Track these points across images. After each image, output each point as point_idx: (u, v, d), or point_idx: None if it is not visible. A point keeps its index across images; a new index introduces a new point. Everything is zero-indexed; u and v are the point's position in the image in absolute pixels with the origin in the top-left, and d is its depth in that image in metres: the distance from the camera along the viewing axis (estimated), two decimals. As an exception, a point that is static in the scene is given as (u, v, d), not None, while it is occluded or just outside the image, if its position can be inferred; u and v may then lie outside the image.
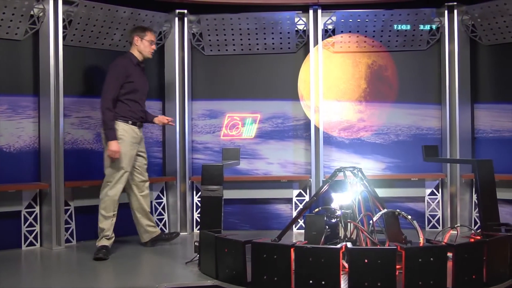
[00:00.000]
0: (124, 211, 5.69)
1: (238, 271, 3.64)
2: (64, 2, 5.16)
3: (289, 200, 6.00)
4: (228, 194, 5.98)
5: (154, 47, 5.04)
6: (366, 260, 3.32)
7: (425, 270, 3.36)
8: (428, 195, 5.93)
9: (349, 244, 3.45)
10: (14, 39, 5.11)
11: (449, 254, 3.47)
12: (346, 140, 6.02)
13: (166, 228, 5.92)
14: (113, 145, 4.69)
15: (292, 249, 3.43)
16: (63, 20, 5.22)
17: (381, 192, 5.81)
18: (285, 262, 3.44)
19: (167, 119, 5.25)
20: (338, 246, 3.39)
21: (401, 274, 3.37)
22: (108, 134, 4.71)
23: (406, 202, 5.99)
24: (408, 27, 5.72)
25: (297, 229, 5.76)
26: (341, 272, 3.35)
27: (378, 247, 3.70)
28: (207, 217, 4.20)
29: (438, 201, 5.91)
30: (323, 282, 3.35)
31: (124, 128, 4.82)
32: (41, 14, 5.13)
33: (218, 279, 3.80)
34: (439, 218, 5.90)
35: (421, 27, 5.71)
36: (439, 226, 5.86)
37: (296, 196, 5.97)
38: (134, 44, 4.98)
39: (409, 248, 3.38)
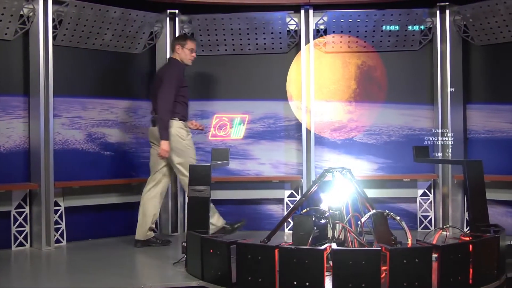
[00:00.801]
0: (115, 212, 5.73)
1: (223, 272, 3.62)
2: (54, 2, 5.15)
3: (280, 201, 5.99)
4: (220, 194, 5.99)
5: (194, 55, 5.22)
6: (350, 262, 3.30)
7: (410, 271, 3.33)
8: (420, 195, 5.92)
9: (333, 245, 3.44)
10: (4, 39, 5.10)
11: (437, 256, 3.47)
12: (338, 141, 6.00)
13: (157, 228, 5.90)
14: (165, 145, 4.94)
15: (276, 250, 3.41)
16: (53, 20, 5.21)
17: (373, 193, 5.86)
18: (269, 263, 3.42)
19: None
20: (322, 247, 3.37)
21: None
22: (164, 134, 4.96)
23: (398, 202, 5.98)
24: (397, 27, 5.70)
25: (289, 229, 5.74)
26: (326, 273, 3.33)
27: (362, 248, 3.68)
28: (194, 217, 4.18)
29: (430, 202, 5.89)
30: (307, 283, 3.33)
31: (184, 126, 5.12)
32: (31, 14, 5.12)
33: (204, 280, 3.78)
34: (431, 218, 5.88)
35: (410, 27, 5.69)
36: (431, 227, 5.84)
37: (287, 197, 5.95)
38: (175, 52, 5.18)
39: (394, 249, 3.36)
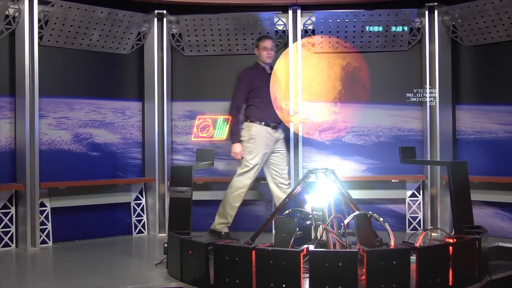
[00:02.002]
0: (103, 212, 5.71)
1: (201, 273, 3.61)
2: (39, 2, 5.15)
3: (269, 202, 5.96)
4: (209, 195, 5.99)
5: (268, 52, 5.35)
6: (327, 263, 3.28)
7: (387, 273, 3.31)
8: (409, 196, 5.89)
9: (311, 247, 3.41)
10: (-10, 40, 5.11)
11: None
12: (327, 142, 5.97)
13: (144, 230, 5.89)
14: (235, 147, 5.24)
15: (253, 252, 3.40)
16: (39, 20, 5.20)
17: (362, 194, 5.85)
18: (246, 264, 3.41)
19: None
20: (299, 249, 3.35)
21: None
22: (231, 138, 5.31)
23: (387, 203, 5.95)
24: (380, 28, 5.67)
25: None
26: (303, 275, 3.31)
27: (338, 249, 3.66)
28: (176, 218, 4.18)
29: (419, 203, 5.86)
30: (284, 285, 3.31)
31: (257, 129, 5.24)
32: (16, 14, 5.11)
33: (183, 281, 3.77)
34: (420, 220, 5.84)
35: (393, 28, 5.66)
36: (420, 228, 5.80)
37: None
38: (256, 53, 5.41)
39: (371, 251, 3.34)
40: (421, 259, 3.41)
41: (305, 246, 3.42)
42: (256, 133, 5.23)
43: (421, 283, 3.40)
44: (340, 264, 3.26)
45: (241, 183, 5.25)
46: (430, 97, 5.60)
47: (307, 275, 3.34)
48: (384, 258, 3.32)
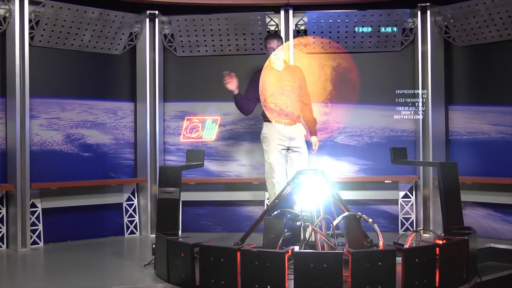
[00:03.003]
0: (94, 213, 5.70)
1: (187, 274, 3.60)
2: (30, 3, 5.15)
3: (261, 202, 5.95)
4: (201, 196, 5.98)
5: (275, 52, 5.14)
6: (312, 264, 3.26)
7: (373, 274, 3.30)
8: (402, 197, 5.87)
9: (296, 248, 3.40)
10: (-19, 41, 5.11)
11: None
12: (319, 142, 5.93)
13: (136, 230, 5.88)
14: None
15: (238, 253, 3.38)
16: (30, 21, 5.21)
17: (355, 195, 5.84)
18: (231, 265, 3.40)
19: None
20: (284, 250, 3.33)
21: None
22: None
23: (380, 204, 5.93)
24: (370, 29, 5.66)
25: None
26: (287, 276, 3.30)
27: (323, 250, 3.65)
28: (164, 219, 4.16)
29: (412, 204, 5.84)
30: (268, 286, 3.30)
31: (268, 128, 5.09)
32: (7, 15, 5.11)
33: (170, 282, 3.76)
34: (412, 220, 5.83)
35: (382, 29, 5.64)
36: (413, 229, 5.77)
37: (268, 198, 5.90)
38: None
39: (356, 252, 3.32)
40: (407, 260, 3.39)
41: (290, 247, 3.40)
42: (268, 131, 5.11)
43: (407, 285, 3.38)
44: (325, 265, 3.25)
45: (270, 181, 5.10)
46: (421, 101, 5.56)
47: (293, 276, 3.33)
48: (369, 259, 3.30)
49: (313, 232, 4.04)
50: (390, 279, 3.32)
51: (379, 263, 3.30)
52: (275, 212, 4.35)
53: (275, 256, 3.31)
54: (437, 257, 3.53)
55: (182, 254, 3.62)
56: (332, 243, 3.95)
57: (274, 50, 5.10)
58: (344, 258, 3.33)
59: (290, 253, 3.33)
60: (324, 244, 3.97)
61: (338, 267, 3.25)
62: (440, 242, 3.97)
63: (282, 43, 5.28)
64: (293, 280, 3.33)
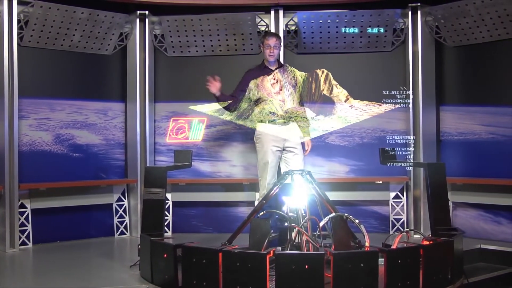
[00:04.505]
0: (84, 214, 5.69)
1: (170, 275, 3.59)
2: (19, 3, 5.15)
3: (252, 203, 5.92)
4: (192, 196, 5.97)
5: (271, 50, 5.05)
6: (293, 266, 3.25)
7: (355, 275, 3.28)
8: (393, 198, 5.85)
9: (278, 249, 3.39)
10: (-31, 41, 5.10)
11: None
12: (312, 142, 5.92)
13: (127, 231, 5.87)
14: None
15: (220, 254, 3.37)
16: (19, 21, 5.20)
17: (345, 195, 5.83)
18: (213, 266, 3.39)
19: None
20: (265, 251, 3.32)
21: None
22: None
23: (371, 205, 5.91)
24: (356, 30, 5.64)
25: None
26: (268, 278, 3.28)
27: (305, 252, 3.63)
28: (149, 220, 4.15)
29: (403, 205, 5.82)
30: (250, 287, 3.28)
31: (261, 127, 5.02)
32: (-5, 15, 5.11)
33: (153, 283, 3.75)
34: (403, 221, 5.81)
35: (369, 30, 5.62)
36: (403, 229, 5.75)
37: (259, 199, 5.89)
38: (262, 50, 5.16)
39: (338, 253, 3.31)
40: (390, 262, 3.38)
41: (272, 248, 3.39)
42: (262, 132, 5.04)
43: (389, 286, 3.36)
44: (307, 266, 3.24)
45: (264, 182, 5.07)
46: (406, 98, 5.52)
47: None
48: (351, 260, 3.28)
49: (298, 233, 4.03)
50: (373, 280, 3.30)
51: (362, 264, 3.29)
52: (261, 213, 4.35)
53: (257, 257, 3.30)
54: (420, 258, 3.51)
55: (165, 255, 3.61)
56: (318, 244, 3.94)
57: (271, 47, 5.03)
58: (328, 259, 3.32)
59: (272, 254, 3.31)
60: (310, 245, 3.96)
61: (320, 268, 3.23)
62: (426, 243, 3.97)
63: (281, 42, 5.25)
64: (272, 281, 3.31)
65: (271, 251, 3.33)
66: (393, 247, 3.91)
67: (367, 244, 4.04)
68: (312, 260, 3.25)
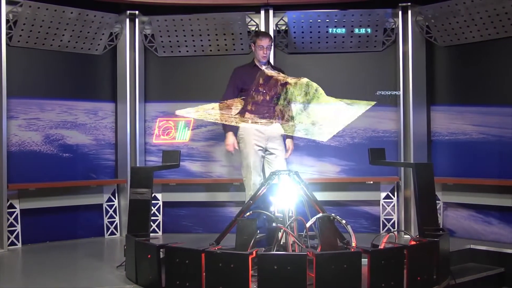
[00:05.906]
0: (74, 214, 5.68)
1: (153, 275, 3.58)
2: (7, 2, 5.15)
3: (241, 203, 5.88)
4: (182, 197, 5.96)
5: (264, 51, 4.99)
6: (275, 266, 3.24)
7: (338, 277, 3.28)
8: (383, 198, 5.83)
9: (261, 249, 3.37)
10: (-43, 41, 5.09)
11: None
12: (301, 143, 5.91)
13: (117, 231, 5.86)
14: (227, 139, 5.08)
15: (202, 254, 3.36)
16: (8, 21, 5.19)
17: (336, 196, 5.81)
18: (196, 267, 3.38)
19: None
20: (248, 251, 3.31)
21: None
22: (223, 129, 5.12)
23: (361, 205, 5.90)
24: (343, 30, 5.62)
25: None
26: (251, 278, 3.27)
27: (287, 252, 3.62)
28: (135, 220, 4.14)
29: (394, 205, 5.80)
30: (232, 288, 3.27)
31: (245, 127, 4.92)
32: (-16, 15, 5.10)
33: (138, 284, 3.74)
34: (394, 222, 5.79)
35: (356, 30, 5.61)
36: (394, 229, 5.74)
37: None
38: (252, 50, 5.12)
39: (320, 254, 3.30)
40: (373, 262, 3.36)
41: (255, 248, 3.38)
42: (244, 131, 5.02)
43: (373, 286, 3.35)
44: (289, 267, 3.22)
45: (249, 182, 5.05)
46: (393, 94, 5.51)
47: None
48: (334, 261, 3.27)
49: (284, 234, 4.01)
50: (356, 281, 3.29)
51: (345, 265, 3.27)
52: (248, 213, 4.34)
53: (239, 258, 3.29)
54: (405, 259, 3.49)
55: (149, 256, 3.59)
56: (304, 245, 3.92)
57: (264, 48, 4.97)
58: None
59: (254, 254, 3.30)
60: (295, 245, 3.95)
61: (302, 269, 3.22)
62: (414, 243, 3.95)
63: (272, 42, 5.20)
64: (255, 282, 3.30)
65: (254, 252, 3.31)
66: (380, 247, 3.91)
67: (353, 244, 4.04)
68: (295, 260, 3.23)
